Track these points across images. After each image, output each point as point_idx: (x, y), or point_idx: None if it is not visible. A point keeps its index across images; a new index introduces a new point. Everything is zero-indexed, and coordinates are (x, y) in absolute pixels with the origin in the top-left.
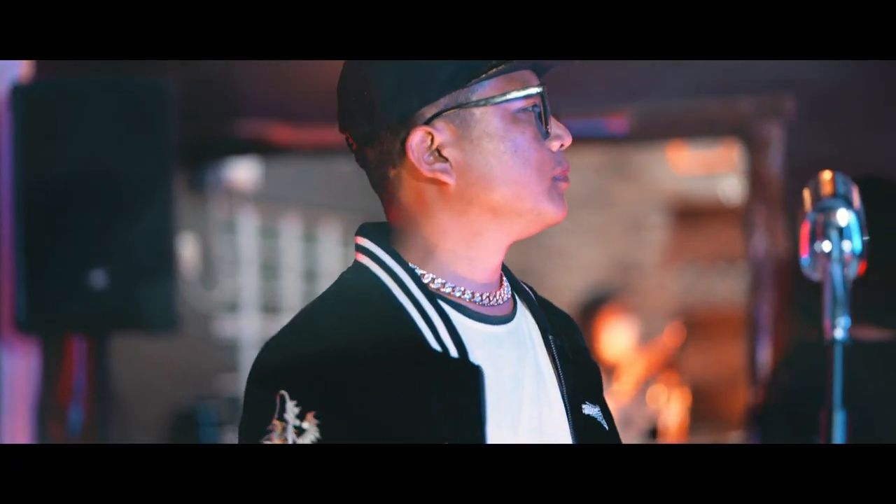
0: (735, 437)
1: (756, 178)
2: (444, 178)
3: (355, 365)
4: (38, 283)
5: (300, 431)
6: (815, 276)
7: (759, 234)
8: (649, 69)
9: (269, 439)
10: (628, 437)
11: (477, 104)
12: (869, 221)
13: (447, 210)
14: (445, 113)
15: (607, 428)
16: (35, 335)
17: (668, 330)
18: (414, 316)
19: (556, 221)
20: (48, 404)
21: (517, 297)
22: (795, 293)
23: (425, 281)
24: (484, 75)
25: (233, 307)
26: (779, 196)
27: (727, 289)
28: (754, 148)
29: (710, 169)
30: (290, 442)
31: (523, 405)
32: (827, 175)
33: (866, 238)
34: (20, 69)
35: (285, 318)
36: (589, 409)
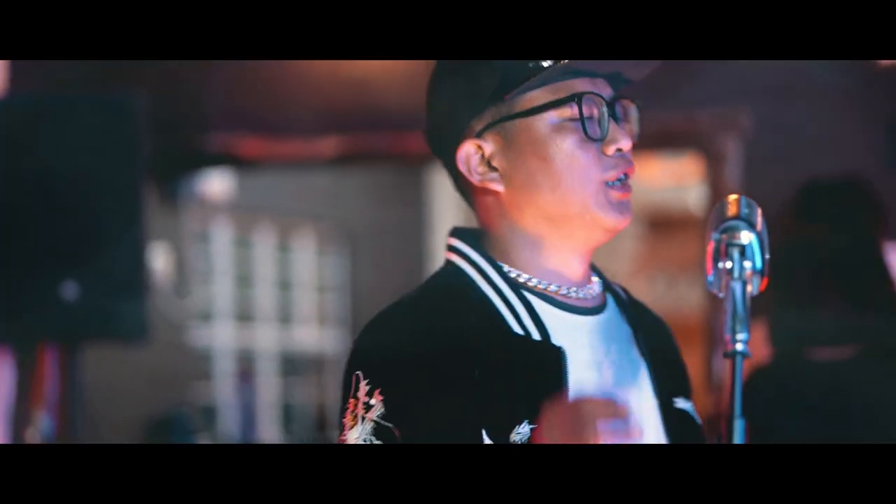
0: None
1: (715, 190)
2: (493, 186)
3: (431, 349)
4: (10, 294)
5: (368, 407)
6: (719, 293)
7: None
8: None
9: (344, 417)
10: None
11: (519, 115)
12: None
13: (506, 217)
14: (493, 125)
15: (700, 423)
16: (7, 345)
17: None
18: (497, 304)
19: (615, 227)
20: (21, 413)
21: (608, 295)
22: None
23: (511, 275)
24: (521, 87)
25: (207, 316)
26: None
27: (697, 297)
28: (712, 161)
29: (680, 179)
30: (359, 419)
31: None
32: (732, 197)
33: (767, 257)
34: None
35: (259, 328)
36: (682, 404)
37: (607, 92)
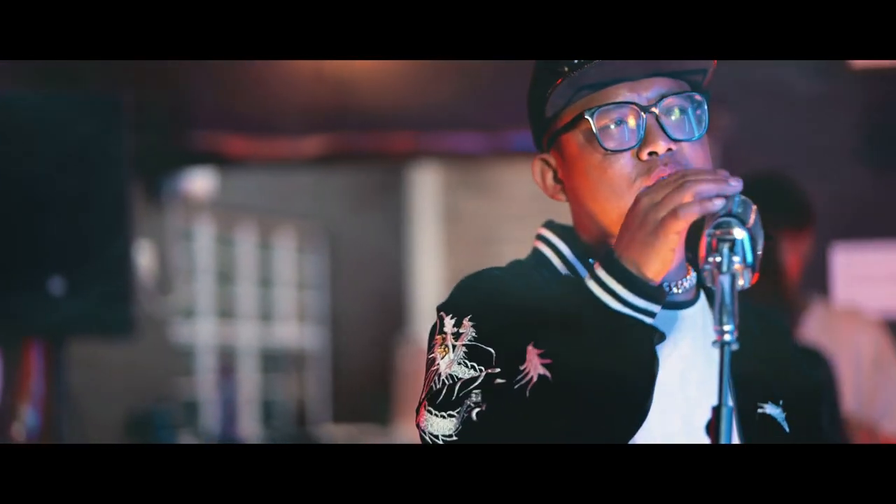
0: None
1: None
2: (559, 196)
3: (518, 300)
4: None
5: (458, 335)
6: (710, 285)
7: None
8: None
9: (433, 355)
10: None
11: (560, 132)
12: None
13: (578, 224)
14: (550, 141)
15: (788, 431)
16: None
17: None
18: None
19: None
20: (6, 408)
21: (703, 290)
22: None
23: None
24: (549, 102)
25: (189, 313)
26: None
27: None
28: None
29: None
30: (450, 347)
31: (689, 385)
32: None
33: (759, 253)
34: None
35: (240, 324)
36: (770, 410)
37: (647, 95)
